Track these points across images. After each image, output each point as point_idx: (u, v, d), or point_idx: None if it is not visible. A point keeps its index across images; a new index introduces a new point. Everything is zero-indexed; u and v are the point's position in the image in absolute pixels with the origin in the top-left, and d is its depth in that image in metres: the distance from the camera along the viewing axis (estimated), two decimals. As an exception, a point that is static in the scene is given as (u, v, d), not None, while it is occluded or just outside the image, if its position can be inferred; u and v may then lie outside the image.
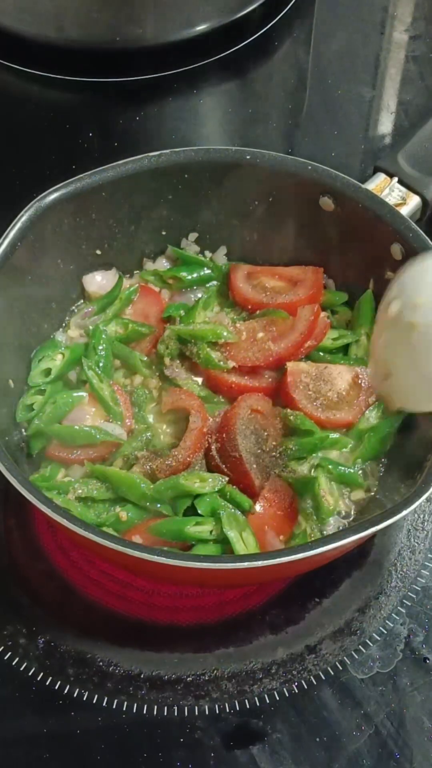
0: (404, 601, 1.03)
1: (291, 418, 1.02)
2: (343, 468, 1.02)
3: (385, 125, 1.47)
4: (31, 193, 1.20)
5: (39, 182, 1.23)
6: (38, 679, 0.98)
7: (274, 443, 1.01)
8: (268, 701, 0.97)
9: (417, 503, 0.87)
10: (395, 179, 1.11)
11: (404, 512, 0.86)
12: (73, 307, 1.13)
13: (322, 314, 1.11)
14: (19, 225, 1.02)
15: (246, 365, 1.06)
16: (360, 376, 1.05)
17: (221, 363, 1.06)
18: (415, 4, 1.63)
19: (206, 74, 1.48)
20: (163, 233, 1.16)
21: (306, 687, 0.98)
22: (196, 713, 0.96)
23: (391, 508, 0.87)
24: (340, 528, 1.01)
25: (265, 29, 1.54)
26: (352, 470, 1.02)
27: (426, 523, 1.09)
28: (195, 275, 1.14)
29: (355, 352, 1.10)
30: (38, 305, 1.09)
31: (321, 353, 1.09)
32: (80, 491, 0.98)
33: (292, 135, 1.46)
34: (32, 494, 0.87)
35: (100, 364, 1.06)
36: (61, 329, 1.12)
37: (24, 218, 1.02)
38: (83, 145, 1.39)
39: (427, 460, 0.92)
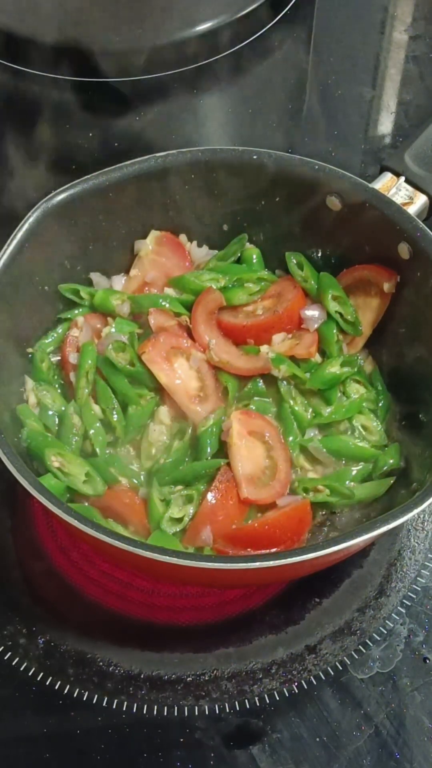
0: (404, 601, 1.03)
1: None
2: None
3: (385, 125, 1.47)
4: (32, 193, 1.21)
5: (39, 183, 1.24)
6: (38, 679, 0.98)
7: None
8: (268, 701, 0.97)
9: (422, 507, 0.87)
10: (402, 178, 1.10)
11: (409, 514, 0.87)
12: (80, 308, 1.13)
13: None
14: (26, 226, 1.02)
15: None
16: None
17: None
18: (415, 4, 1.63)
19: (206, 74, 1.48)
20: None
21: (306, 687, 0.98)
22: (196, 713, 0.96)
23: (397, 510, 0.87)
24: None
25: (265, 29, 1.54)
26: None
27: (426, 523, 1.09)
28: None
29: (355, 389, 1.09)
30: (45, 306, 1.09)
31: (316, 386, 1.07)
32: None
33: (292, 135, 1.46)
34: (45, 497, 0.87)
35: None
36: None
37: (32, 219, 1.02)
38: (83, 145, 1.39)
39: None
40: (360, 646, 1.01)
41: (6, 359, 1.02)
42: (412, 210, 1.08)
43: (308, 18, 1.58)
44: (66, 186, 1.06)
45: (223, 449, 1.02)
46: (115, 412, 1.03)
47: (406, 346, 1.07)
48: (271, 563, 0.84)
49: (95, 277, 1.13)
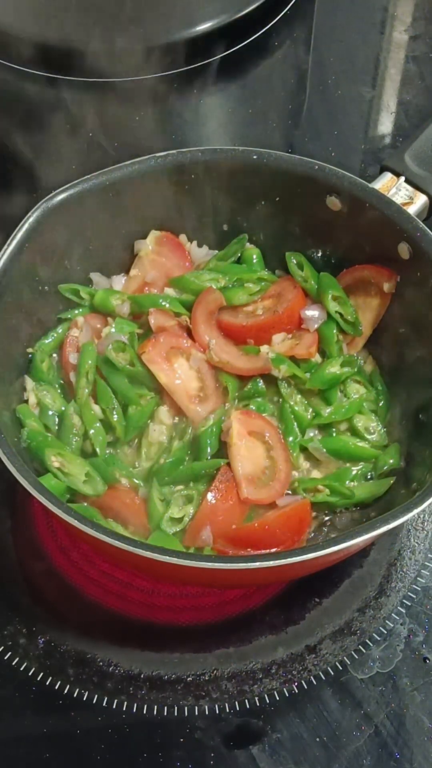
0: (404, 601, 1.03)
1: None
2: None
3: (385, 125, 1.47)
4: (31, 193, 1.21)
5: (39, 183, 1.24)
6: (38, 679, 0.99)
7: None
8: (268, 701, 0.97)
9: (422, 507, 0.87)
10: (402, 178, 1.10)
11: (409, 515, 0.87)
12: (80, 308, 1.12)
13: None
14: (26, 226, 1.02)
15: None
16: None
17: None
18: (415, 4, 1.63)
19: (206, 74, 1.48)
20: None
21: (306, 687, 0.98)
22: (196, 713, 0.96)
23: (397, 510, 0.87)
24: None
25: (265, 29, 1.54)
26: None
27: (426, 523, 1.09)
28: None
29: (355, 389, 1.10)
30: (45, 306, 1.09)
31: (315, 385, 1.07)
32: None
33: (292, 135, 1.46)
34: (44, 496, 0.87)
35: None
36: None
37: (32, 219, 1.02)
38: (83, 145, 1.39)
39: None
40: (360, 646, 1.01)
41: (6, 359, 1.02)
42: (412, 210, 1.08)
43: (308, 18, 1.58)
44: (66, 186, 1.06)
45: (223, 449, 1.02)
46: (115, 412, 1.03)
47: (406, 346, 1.07)
48: (271, 563, 0.84)
49: (95, 277, 1.13)
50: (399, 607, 1.03)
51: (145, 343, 1.06)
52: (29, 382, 1.05)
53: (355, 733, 0.95)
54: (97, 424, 1.03)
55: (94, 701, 0.97)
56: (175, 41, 1.46)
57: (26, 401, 1.05)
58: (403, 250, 1.04)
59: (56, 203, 1.04)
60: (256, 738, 0.95)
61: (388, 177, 1.12)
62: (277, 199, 1.11)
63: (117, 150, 1.38)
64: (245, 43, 1.52)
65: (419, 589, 1.04)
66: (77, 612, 1.03)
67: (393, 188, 1.10)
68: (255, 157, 1.09)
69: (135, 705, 0.97)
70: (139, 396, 1.05)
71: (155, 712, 0.97)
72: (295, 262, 1.14)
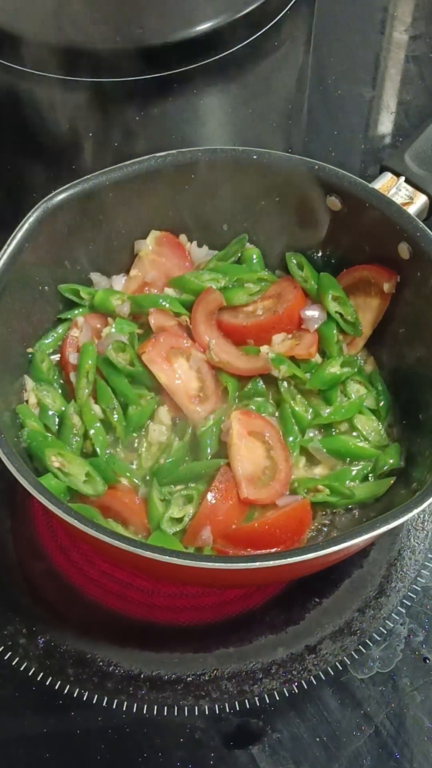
0: (404, 601, 1.03)
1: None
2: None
3: (385, 125, 1.47)
4: (32, 193, 1.21)
5: (39, 183, 1.24)
6: (38, 679, 0.98)
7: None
8: (268, 701, 0.97)
9: (422, 507, 0.87)
10: (402, 178, 1.11)
11: (409, 515, 0.87)
12: (80, 308, 1.12)
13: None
14: (26, 226, 1.02)
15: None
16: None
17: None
18: (415, 4, 1.63)
19: (206, 74, 1.48)
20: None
21: (306, 687, 0.98)
22: (196, 713, 0.96)
23: (397, 510, 0.87)
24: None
25: (265, 29, 1.54)
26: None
27: (426, 523, 1.09)
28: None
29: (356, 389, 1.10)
30: (45, 306, 1.09)
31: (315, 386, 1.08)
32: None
33: (292, 135, 1.46)
34: (44, 495, 0.87)
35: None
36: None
37: (32, 219, 1.02)
38: (83, 145, 1.39)
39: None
40: (360, 646, 1.01)
41: (6, 359, 1.02)
42: (412, 210, 1.09)
43: (308, 18, 1.58)
44: (66, 186, 1.06)
45: (223, 449, 1.02)
46: (115, 412, 1.03)
47: (406, 346, 1.07)
48: (271, 563, 0.84)
49: (95, 277, 1.13)
50: (399, 607, 1.03)
51: (145, 343, 1.06)
52: (29, 382, 1.05)
53: (355, 733, 0.95)
54: (98, 424, 1.03)
55: (94, 701, 0.97)
56: (175, 41, 1.46)
57: (26, 401, 1.05)
58: (403, 250, 1.04)
59: (56, 203, 1.04)
60: (256, 738, 0.95)
61: (388, 177, 1.12)
62: (277, 199, 1.11)
63: (117, 150, 1.38)
64: (245, 43, 1.52)
65: (419, 589, 1.04)
66: (77, 612, 1.03)
67: (393, 188, 1.10)
68: (255, 157, 1.09)
69: (135, 705, 0.97)
70: (139, 396, 1.05)
71: (155, 712, 0.97)
72: (295, 262, 1.14)
